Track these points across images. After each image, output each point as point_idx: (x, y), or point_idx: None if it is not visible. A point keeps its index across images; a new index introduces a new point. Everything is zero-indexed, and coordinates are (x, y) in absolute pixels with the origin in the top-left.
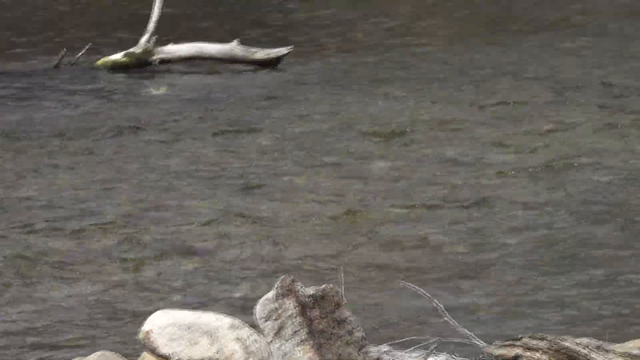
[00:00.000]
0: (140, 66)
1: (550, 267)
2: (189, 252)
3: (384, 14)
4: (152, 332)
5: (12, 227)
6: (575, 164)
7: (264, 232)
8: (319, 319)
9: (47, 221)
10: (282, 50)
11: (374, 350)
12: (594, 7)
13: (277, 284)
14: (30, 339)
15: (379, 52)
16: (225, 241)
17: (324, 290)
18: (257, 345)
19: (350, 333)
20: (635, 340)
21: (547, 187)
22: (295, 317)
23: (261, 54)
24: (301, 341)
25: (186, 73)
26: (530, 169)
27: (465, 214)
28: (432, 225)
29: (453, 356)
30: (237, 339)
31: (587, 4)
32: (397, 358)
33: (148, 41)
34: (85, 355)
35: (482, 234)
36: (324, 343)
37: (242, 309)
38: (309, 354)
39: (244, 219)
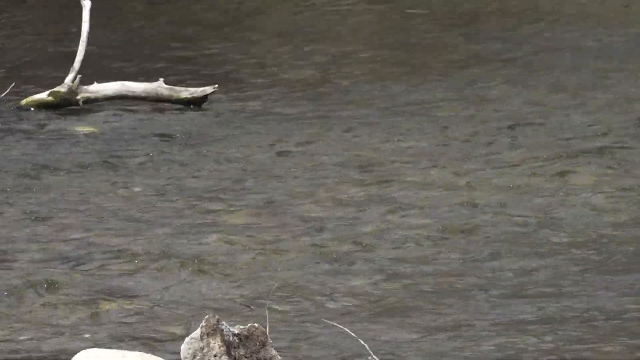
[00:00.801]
0: (66, 105)
1: None
2: (118, 290)
3: (312, 53)
4: None
5: None
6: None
7: (195, 271)
8: (244, 358)
9: None
10: (207, 89)
11: None
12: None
13: (202, 323)
14: None
15: (307, 90)
16: (156, 280)
17: (249, 329)
18: None
19: None
20: None
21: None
22: (220, 357)
23: (186, 93)
24: None
25: (111, 112)
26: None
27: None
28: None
29: None
30: None
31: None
32: None
33: (73, 80)
34: None
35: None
36: None
37: (169, 348)
38: None
39: (177, 259)
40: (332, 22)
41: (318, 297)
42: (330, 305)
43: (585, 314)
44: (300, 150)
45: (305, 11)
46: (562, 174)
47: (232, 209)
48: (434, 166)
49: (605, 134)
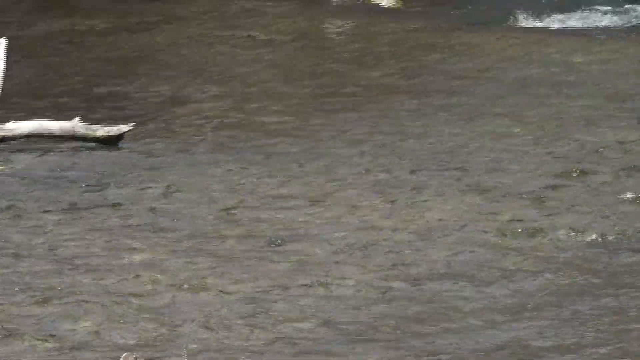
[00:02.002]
0: None
1: None
2: (40, 332)
3: (226, 88)
4: None
5: None
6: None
7: (105, 312)
8: None
9: None
10: (123, 128)
11: None
12: None
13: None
14: None
15: (219, 129)
16: (78, 322)
17: None
18: None
19: None
20: None
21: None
22: None
23: (102, 131)
24: None
25: (26, 151)
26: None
27: None
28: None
29: None
30: None
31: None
32: None
33: None
34: None
35: None
36: None
37: None
38: None
39: (91, 303)
40: (247, 57)
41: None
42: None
43: None
44: (207, 188)
45: (219, 46)
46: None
47: (144, 247)
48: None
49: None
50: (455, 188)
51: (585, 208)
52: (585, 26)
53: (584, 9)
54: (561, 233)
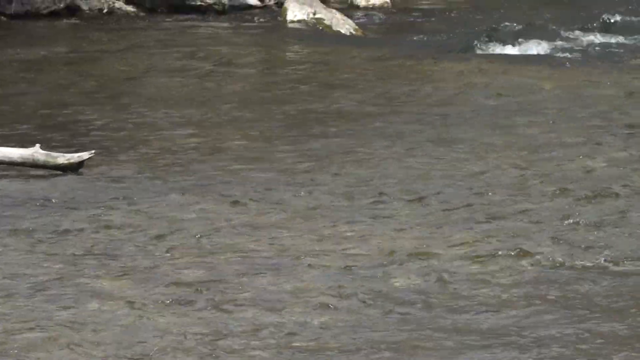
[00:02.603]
0: None
1: None
2: None
3: (186, 118)
4: None
5: None
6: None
7: (63, 340)
8: None
9: None
10: (84, 155)
11: None
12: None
13: None
14: None
15: (181, 156)
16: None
17: None
18: None
19: None
20: None
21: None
22: None
23: (63, 158)
24: None
25: None
26: None
27: None
28: None
29: None
30: None
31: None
32: None
33: None
34: None
35: None
36: None
37: None
38: None
39: (55, 326)
40: (209, 84)
41: None
42: None
43: None
44: (171, 217)
45: (180, 74)
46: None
47: (107, 274)
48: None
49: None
50: (413, 215)
51: (533, 234)
52: (546, 53)
53: (545, 36)
54: (506, 259)
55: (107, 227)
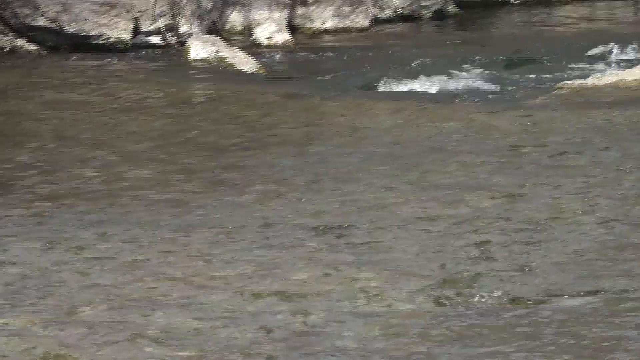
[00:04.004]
0: None
1: None
2: None
3: (90, 157)
4: None
5: None
6: None
7: None
8: None
9: None
10: None
11: None
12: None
13: None
14: None
15: (82, 196)
16: None
17: None
18: None
19: None
20: None
21: None
22: None
23: None
24: None
25: None
26: None
27: None
28: None
29: None
30: None
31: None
32: None
33: None
34: None
35: None
36: None
37: None
38: None
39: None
40: (111, 123)
41: None
42: None
43: None
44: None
45: (81, 112)
46: None
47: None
48: None
49: None
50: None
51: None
52: (455, 90)
53: (454, 74)
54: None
55: (2, 265)
